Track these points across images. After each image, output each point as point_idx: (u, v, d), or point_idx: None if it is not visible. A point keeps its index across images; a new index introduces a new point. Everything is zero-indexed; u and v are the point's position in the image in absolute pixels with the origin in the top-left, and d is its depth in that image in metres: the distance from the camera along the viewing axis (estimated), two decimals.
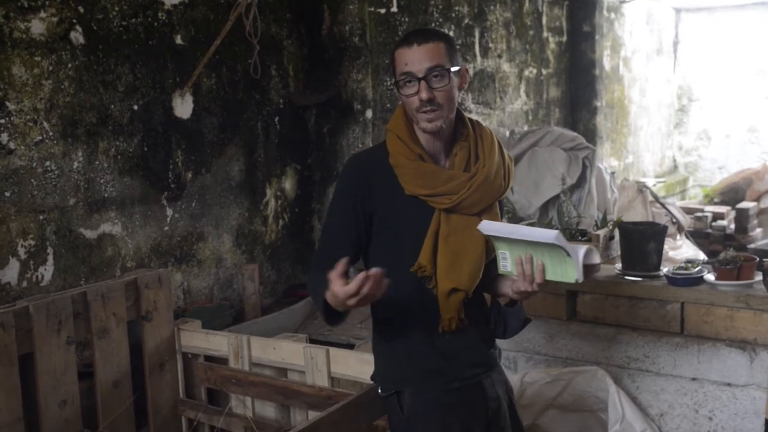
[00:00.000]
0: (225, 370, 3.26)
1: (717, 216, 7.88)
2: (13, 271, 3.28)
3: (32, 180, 3.34)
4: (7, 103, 3.24)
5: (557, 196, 5.12)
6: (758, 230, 7.67)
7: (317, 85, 4.78)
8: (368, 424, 2.54)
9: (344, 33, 4.71)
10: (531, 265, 2.10)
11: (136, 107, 3.78)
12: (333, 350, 3.04)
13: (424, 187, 2.23)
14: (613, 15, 9.38)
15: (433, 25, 5.82)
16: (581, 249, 2.04)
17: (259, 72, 4.17)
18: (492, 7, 6.75)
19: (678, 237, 6.52)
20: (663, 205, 7.21)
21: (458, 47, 6.14)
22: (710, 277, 3.24)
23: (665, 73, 11.67)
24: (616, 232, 3.63)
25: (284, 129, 4.66)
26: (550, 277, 2.10)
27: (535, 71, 7.62)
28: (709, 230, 7.62)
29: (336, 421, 2.41)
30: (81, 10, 3.50)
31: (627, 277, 3.37)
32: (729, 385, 3.08)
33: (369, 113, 4.78)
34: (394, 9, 5.39)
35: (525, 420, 3.02)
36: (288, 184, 4.73)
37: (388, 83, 5.36)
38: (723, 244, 6.85)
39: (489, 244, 2.28)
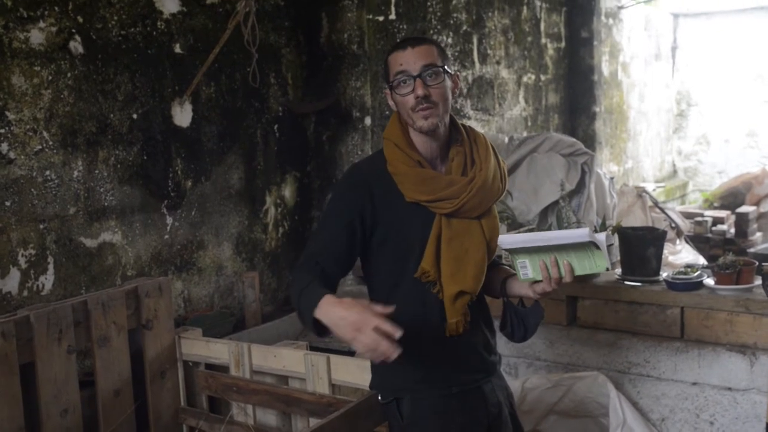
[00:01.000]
0: (226, 378, 3.26)
1: (717, 220, 7.89)
2: (14, 280, 3.29)
3: (32, 189, 3.35)
4: (7, 113, 3.25)
5: (556, 202, 5.13)
6: (758, 234, 7.67)
7: (316, 93, 4.79)
8: (369, 431, 2.54)
9: (343, 41, 4.72)
10: (557, 267, 2.11)
11: (135, 116, 3.79)
12: (334, 357, 3.04)
13: (425, 193, 2.24)
14: (611, 21, 9.39)
15: (431, 32, 5.84)
16: (602, 236, 2.07)
17: (257, 80, 4.18)
18: (490, 14, 6.76)
19: (678, 242, 6.53)
20: (662, 210, 7.22)
21: (456, 54, 6.16)
22: (710, 281, 3.24)
23: (664, 78, 11.68)
24: (616, 238, 3.63)
25: (283, 137, 4.67)
26: (579, 272, 2.12)
27: (533, 77, 7.63)
28: (709, 235, 7.62)
29: (337, 428, 2.41)
30: (80, 19, 3.51)
31: (627, 283, 3.38)
32: (730, 389, 3.08)
33: (368, 120, 4.79)
34: (393, 16, 5.40)
35: (526, 426, 3.03)
36: (288, 192, 4.73)
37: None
38: (723, 249, 6.86)
39: (490, 246, 2.29)
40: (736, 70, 11.74)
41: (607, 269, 2.10)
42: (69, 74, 3.48)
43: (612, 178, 5.95)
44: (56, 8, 3.41)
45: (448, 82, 2.25)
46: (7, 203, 3.26)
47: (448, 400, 2.30)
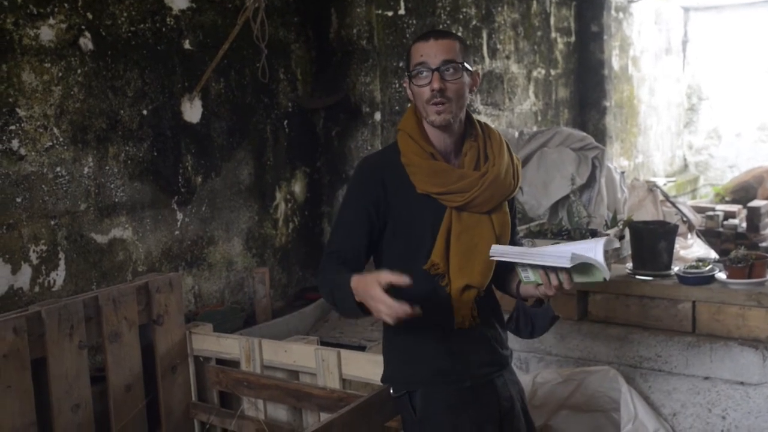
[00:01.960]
0: (237, 373, 3.27)
1: (728, 215, 7.85)
2: (26, 276, 3.30)
3: (43, 186, 3.36)
4: (18, 110, 3.26)
5: (567, 197, 5.12)
6: None
7: (325, 88, 4.79)
8: (380, 426, 2.54)
9: (352, 36, 4.72)
10: (556, 274, 2.09)
11: (145, 112, 3.79)
12: (344, 352, 3.04)
13: (436, 185, 2.25)
14: (621, 15, 9.36)
15: (440, 26, 5.83)
16: (599, 246, 2.02)
17: (267, 76, 4.18)
18: (499, 9, 6.74)
19: (689, 236, 6.50)
20: (674, 204, 7.19)
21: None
22: (722, 275, 3.22)
23: (674, 72, 11.63)
24: (627, 232, 3.62)
25: (293, 132, 4.67)
26: (578, 280, 2.09)
27: (543, 72, 7.61)
28: (721, 229, 7.58)
29: (348, 422, 2.41)
30: (90, 16, 3.52)
31: (638, 277, 3.36)
32: (742, 383, 3.06)
33: (377, 116, 4.79)
34: (402, 11, 5.39)
35: (537, 420, 3.02)
36: (297, 188, 4.73)
37: (397, 86, 5.36)
38: (734, 243, 6.82)
39: (500, 242, 2.28)
40: (747, 64, 11.68)
41: (605, 279, 2.05)
42: (79, 71, 3.48)
43: (623, 173, 5.93)
44: (66, 5, 3.42)
45: (466, 79, 2.25)
46: (18, 199, 3.27)
47: (461, 394, 2.30)
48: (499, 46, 6.76)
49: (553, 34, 7.81)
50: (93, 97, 3.55)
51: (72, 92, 3.46)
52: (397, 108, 5.34)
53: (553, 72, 7.83)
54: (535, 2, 7.38)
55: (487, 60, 6.59)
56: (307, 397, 3.01)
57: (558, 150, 5.48)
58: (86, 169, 3.53)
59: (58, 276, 3.43)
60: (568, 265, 1.96)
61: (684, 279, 3.25)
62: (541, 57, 7.56)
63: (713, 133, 12.20)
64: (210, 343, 3.44)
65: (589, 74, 8.41)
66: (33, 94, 3.31)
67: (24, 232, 3.29)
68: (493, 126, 2.42)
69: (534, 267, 2.08)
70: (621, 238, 3.72)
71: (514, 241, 2.44)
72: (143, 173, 3.80)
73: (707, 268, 3.26)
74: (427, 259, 2.26)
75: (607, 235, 2.11)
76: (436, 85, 2.19)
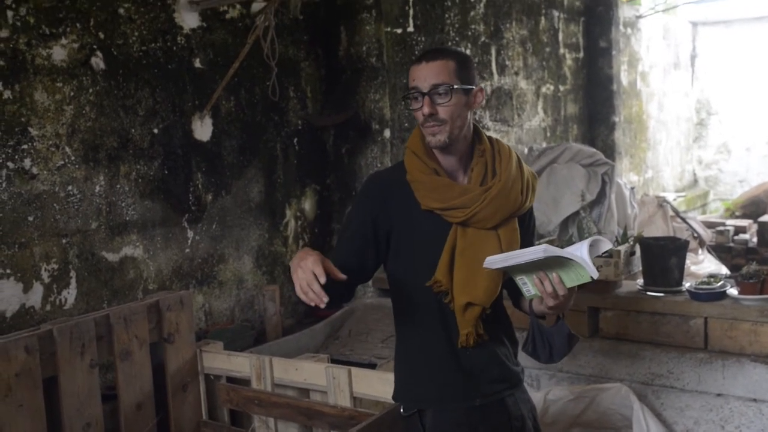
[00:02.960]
0: (247, 391, 3.27)
1: (739, 230, 7.82)
2: (37, 294, 3.31)
3: (55, 204, 3.38)
4: (30, 129, 3.28)
5: (577, 213, 5.11)
6: None
7: (335, 106, 4.80)
8: None
9: (361, 53, 4.74)
10: (549, 280, 2.09)
11: (156, 131, 3.81)
12: (355, 370, 3.04)
13: (438, 201, 2.26)
14: (629, 30, 9.37)
15: (449, 43, 5.84)
16: (584, 247, 2.03)
17: (277, 94, 4.19)
18: (508, 25, 6.76)
19: (700, 251, 6.49)
20: (684, 220, 7.17)
21: (475, 65, 6.16)
22: (733, 291, 3.21)
23: (683, 87, 11.62)
24: (637, 248, 3.61)
25: (303, 150, 4.69)
26: (569, 284, 2.09)
27: (552, 88, 7.62)
28: (731, 244, 7.55)
29: None
30: (101, 35, 3.54)
31: (649, 293, 3.36)
32: (755, 400, 3.05)
33: (387, 133, 4.80)
34: (411, 29, 5.41)
35: None
36: (307, 205, 4.74)
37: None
38: (745, 258, 6.79)
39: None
40: (756, 78, 11.66)
41: (592, 278, 2.06)
42: (90, 90, 3.51)
43: (632, 188, 5.93)
44: (78, 25, 3.45)
45: (460, 99, 2.25)
46: (30, 218, 3.28)
47: (471, 413, 2.29)
48: (507, 63, 6.77)
49: (562, 50, 7.83)
50: (104, 116, 3.57)
51: (84, 111, 3.48)
52: (406, 125, 5.35)
53: (561, 88, 7.83)
54: (543, 18, 7.40)
55: (495, 76, 6.60)
56: (318, 415, 3.01)
57: (567, 166, 5.49)
58: (97, 188, 3.55)
59: (70, 294, 3.44)
60: (542, 255, 1.98)
61: (696, 295, 3.24)
62: (550, 73, 7.57)
63: (723, 148, 12.17)
64: (221, 361, 3.44)
65: (597, 90, 8.41)
66: (45, 114, 3.33)
67: (36, 251, 3.30)
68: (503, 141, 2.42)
69: (532, 271, 2.08)
70: (632, 254, 3.72)
71: None
72: (154, 191, 3.81)
73: (719, 284, 3.26)
74: (432, 276, 2.25)
75: (597, 239, 2.10)
76: (426, 110, 2.22)
